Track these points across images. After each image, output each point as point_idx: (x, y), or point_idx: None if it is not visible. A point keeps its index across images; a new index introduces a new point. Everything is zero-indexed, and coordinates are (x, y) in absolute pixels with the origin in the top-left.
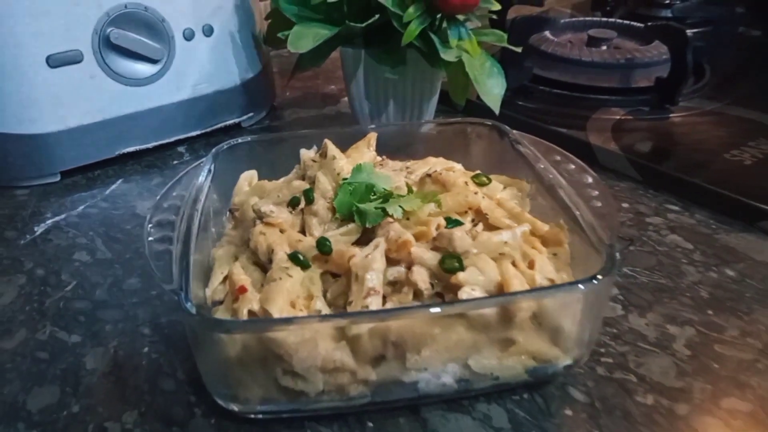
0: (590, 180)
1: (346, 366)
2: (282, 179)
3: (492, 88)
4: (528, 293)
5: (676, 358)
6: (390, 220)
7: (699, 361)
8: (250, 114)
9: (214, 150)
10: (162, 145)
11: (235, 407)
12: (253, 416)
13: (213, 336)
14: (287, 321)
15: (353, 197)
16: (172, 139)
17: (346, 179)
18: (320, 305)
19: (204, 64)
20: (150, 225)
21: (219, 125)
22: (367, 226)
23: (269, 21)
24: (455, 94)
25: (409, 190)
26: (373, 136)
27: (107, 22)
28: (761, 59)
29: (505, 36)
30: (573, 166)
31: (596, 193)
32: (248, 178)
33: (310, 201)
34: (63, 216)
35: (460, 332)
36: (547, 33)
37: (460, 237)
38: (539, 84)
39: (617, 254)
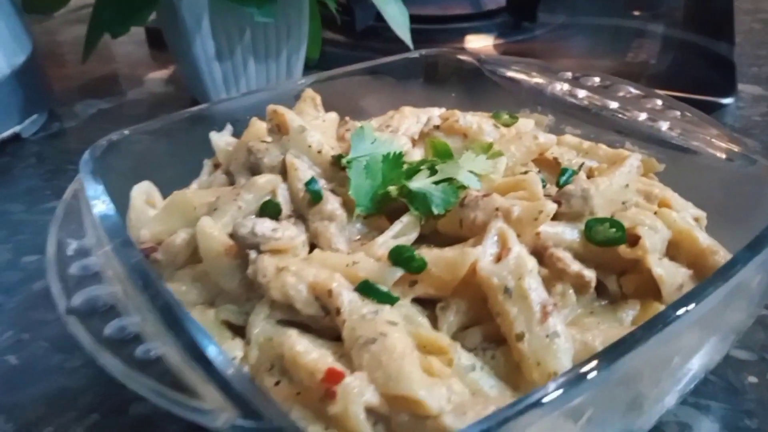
0: (635, 91)
1: None
2: (195, 183)
3: (396, 16)
4: None
5: None
6: (475, 193)
7: None
8: (33, 117)
9: (86, 154)
10: None
11: None
12: None
13: None
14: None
15: (374, 178)
16: None
17: (341, 156)
18: (466, 358)
19: None
20: (71, 316)
21: None
22: (435, 213)
23: None
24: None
25: (441, 151)
26: (314, 95)
27: None
28: None
29: None
30: (597, 79)
31: (660, 102)
32: (144, 194)
33: (318, 198)
34: None
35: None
36: None
37: (595, 193)
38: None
39: None
